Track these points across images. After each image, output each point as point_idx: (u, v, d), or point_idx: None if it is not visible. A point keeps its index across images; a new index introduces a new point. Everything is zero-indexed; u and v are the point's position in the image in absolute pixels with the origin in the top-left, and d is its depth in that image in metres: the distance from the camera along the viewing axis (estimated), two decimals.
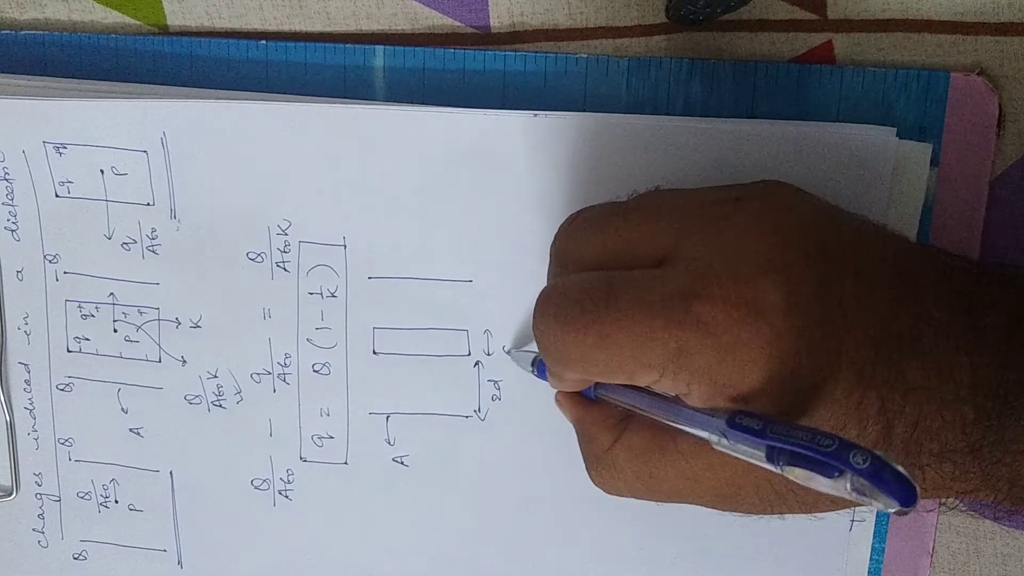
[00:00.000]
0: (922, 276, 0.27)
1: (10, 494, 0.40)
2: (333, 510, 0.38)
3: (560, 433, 0.37)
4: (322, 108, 0.35)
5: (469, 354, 0.36)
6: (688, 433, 0.27)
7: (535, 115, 0.34)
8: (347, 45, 0.36)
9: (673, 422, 0.27)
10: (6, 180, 0.37)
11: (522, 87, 0.35)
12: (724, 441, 0.25)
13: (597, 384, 0.31)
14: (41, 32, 0.37)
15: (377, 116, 0.35)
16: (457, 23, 0.36)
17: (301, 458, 0.38)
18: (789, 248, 0.26)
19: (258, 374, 0.38)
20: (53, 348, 0.39)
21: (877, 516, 0.36)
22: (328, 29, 0.36)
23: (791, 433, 0.23)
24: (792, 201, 0.28)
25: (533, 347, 0.34)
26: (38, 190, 0.37)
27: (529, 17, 0.35)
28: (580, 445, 0.32)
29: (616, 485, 0.30)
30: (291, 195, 0.36)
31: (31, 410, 0.39)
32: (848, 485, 0.22)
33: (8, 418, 0.39)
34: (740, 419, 0.24)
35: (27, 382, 0.39)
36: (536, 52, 0.35)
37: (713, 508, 0.29)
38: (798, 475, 0.23)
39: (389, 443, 0.38)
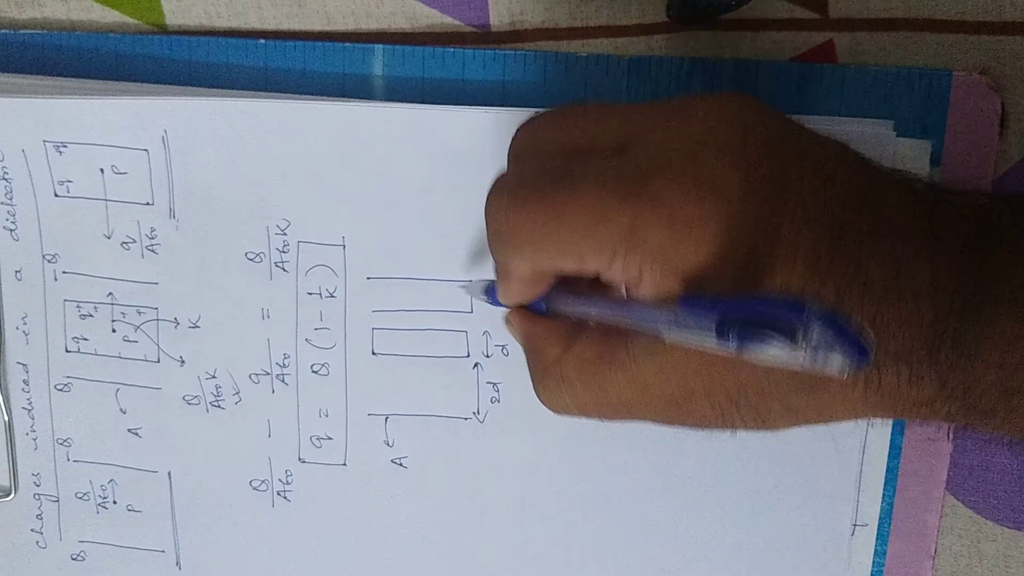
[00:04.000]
0: (883, 181, 0.27)
1: (8, 494, 0.40)
2: (332, 511, 0.38)
3: (559, 436, 0.37)
4: (321, 107, 0.35)
5: (468, 355, 0.36)
6: (639, 331, 0.26)
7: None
8: (346, 44, 0.36)
9: (624, 319, 0.27)
10: (5, 179, 0.37)
11: (522, 86, 0.35)
12: (675, 329, 0.24)
13: (547, 297, 0.30)
14: (40, 32, 0.37)
15: (376, 115, 0.35)
16: (457, 22, 0.35)
17: (300, 459, 0.38)
18: (749, 137, 0.26)
19: (257, 374, 0.37)
20: (52, 348, 0.38)
21: (879, 518, 0.36)
22: (327, 28, 0.36)
23: (744, 299, 0.23)
24: (753, 102, 0.28)
25: (486, 276, 0.34)
26: (37, 189, 0.37)
27: (529, 16, 0.35)
28: (529, 363, 0.31)
29: (563, 398, 0.29)
30: (290, 195, 0.36)
31: (29, 410, 0.39)
32: (804, 343, 0.21)
33: (6, 418, 0.39)
34: (691, 299, 0.24)
35: (25, 382, 0.39)
36: (536, 51, 0.35)
37: (664, 422, 0.29)
38: (751, 350, 0.22)
39: (388, 444, 0.37)
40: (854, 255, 0.26)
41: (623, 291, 0.28)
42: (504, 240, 0.28)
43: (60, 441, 0.39)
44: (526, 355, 0.31)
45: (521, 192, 0.27)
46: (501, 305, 0.32)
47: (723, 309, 0.23)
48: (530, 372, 0.31)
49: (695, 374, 0.26)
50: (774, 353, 0.22)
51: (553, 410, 0.30)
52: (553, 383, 0.29)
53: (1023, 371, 0.26)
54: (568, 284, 0.30)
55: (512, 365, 0.36)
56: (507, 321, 0.32)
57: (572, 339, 0.29)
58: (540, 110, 0.33)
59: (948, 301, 0.26)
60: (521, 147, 0.30)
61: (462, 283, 0.36)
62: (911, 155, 0.33)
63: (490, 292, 0.33)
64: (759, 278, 0.25)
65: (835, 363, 0.21)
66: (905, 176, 0.28)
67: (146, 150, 0.36)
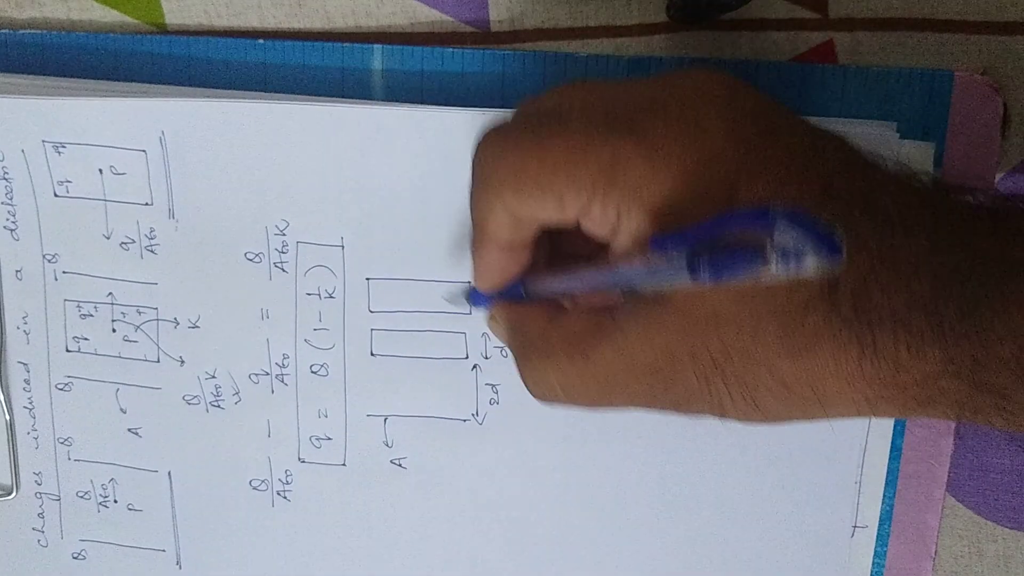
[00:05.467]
0: (876, 160, 0.27)
1: (10, 493, 0.40)
2: (331, 511, 0.38)
3: (558, 437, 0.37)
4: (320, 107, 0.35)
5: (467, 357, 0.36)
6: (621, 299, 0.27)
7: None
8: (345, 44, 0.35)
9: (601, 282, 0.27)
10: (5, 179, 0.37)
11: (522, 86, 0.35)
12: (650, 276, 0.25)
13: (525, 282, 0.30)
14: (40, 31, 0.37)
15: (376, 115, 0.35)
16: (456, 22, 0.35)
17: (299, 459, 0.38)
18: (738, 97, 0.27)
19: (256, 375, 0.37)
20: (52, 348, 0.38)
21: (880, 519, 0.36)
22: (327, 28, 0.36)
23: (710, 220, 0.23)
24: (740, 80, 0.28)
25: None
26: (37, 189, 0.37)
27: (529, 16, 0.35)
28: (513, 345, 0.31)
29: (548, 375, 0.29)
30: (289, 195, 0.36)
31: (30, 409, 0.39)
32: (772, 250, 0.21)
33: (8, 417, 0.39)
34: (663, 235, 0.25)
35: (26, 381, 0.39)
36: (536, 51, 0.35)
37: (648, 401, 0.28)
38: (725, 275, 0.22)
39: (387, 445, 0.37)
40: (844, 210, 0.25)
41: (599, 259, 0.28)
42: (486, 182, 0.28)
43: (61, 440, 0.39)
44: (510, 340, 0.31)
45: (512, 132, 0.27)
46: (482, 304, 0.32)
47: (692, 236, 0.23)
48: (514, 353, 0.30)
49: (679, 334, 0.26)
50: (747, 271, 0.21)
51: (537, 392, 0.30)
52: (537, 358, 0.29)
53: None
54: (544, 266, 0.31)
55: (511, 367, 0.36)
56: (491, 318, 0.32)
57: (557, 316, 0.29)
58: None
59: (951, 264, 0.24)
60: (523, 111, 0.30)
61: (443, 293, 0.36)
62: (915, 157, 0.33)
63: (471, 294, 0.34)
64: None
65: (807, 264, 0.21)
66: (904, 169, 0.27)
67: (144, 151, 0.36)
